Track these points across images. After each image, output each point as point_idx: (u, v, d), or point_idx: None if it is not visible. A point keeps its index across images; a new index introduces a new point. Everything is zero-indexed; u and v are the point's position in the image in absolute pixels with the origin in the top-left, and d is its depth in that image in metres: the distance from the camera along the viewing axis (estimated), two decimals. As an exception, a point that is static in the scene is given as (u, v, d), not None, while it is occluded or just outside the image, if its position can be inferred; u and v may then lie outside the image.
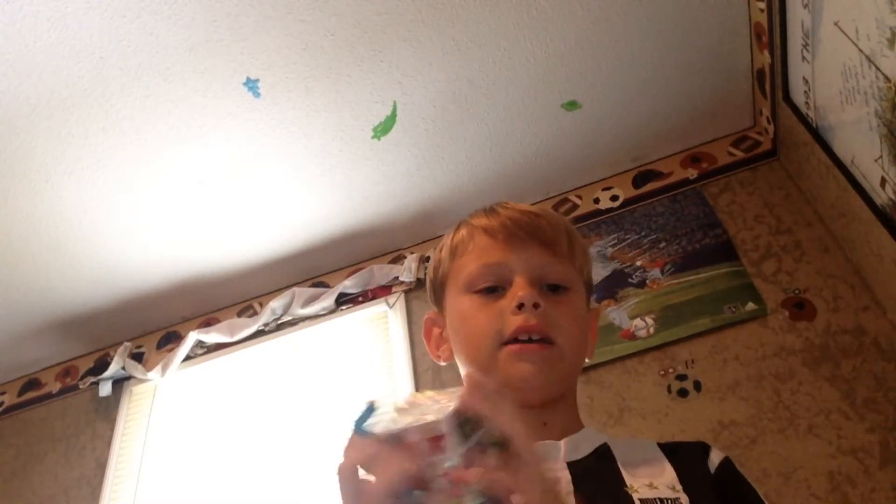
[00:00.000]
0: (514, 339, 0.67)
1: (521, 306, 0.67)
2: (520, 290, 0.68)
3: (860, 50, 1.12)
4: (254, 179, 1.78)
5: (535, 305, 0.67)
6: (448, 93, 1.65)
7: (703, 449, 0.71)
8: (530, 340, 0.67)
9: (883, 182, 1.21)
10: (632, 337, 1.59)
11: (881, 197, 1.24)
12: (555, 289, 0.72)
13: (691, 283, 1.62)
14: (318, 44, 1.49)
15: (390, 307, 1.94)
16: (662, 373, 1.52)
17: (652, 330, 1.59)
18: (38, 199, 1.72)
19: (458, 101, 1.67)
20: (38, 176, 1.66)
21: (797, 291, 1.52)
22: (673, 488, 0.64)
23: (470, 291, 0.72)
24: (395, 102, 1.65)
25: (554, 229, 0.75)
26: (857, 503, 1.24)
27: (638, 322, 1.61)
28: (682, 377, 1.50)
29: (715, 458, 0.70)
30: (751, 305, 1.53)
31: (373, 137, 1.72)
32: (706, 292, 1.59)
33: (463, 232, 0.78)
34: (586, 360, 0.76)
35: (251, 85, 1.55)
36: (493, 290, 0.71)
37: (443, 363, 0.79)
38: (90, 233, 1.83)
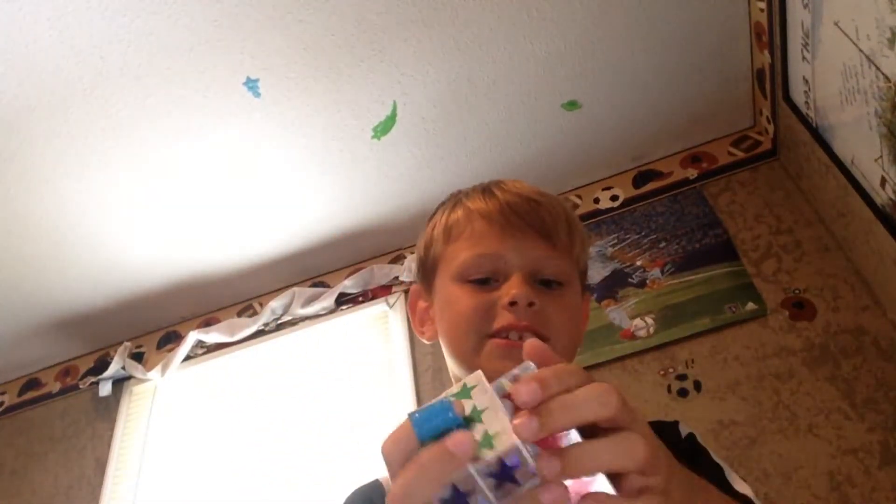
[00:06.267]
0: (501, 335, 0.66)
1: (513, 304, 0.66)
2: (514, 287, 0.66)
3: (860, 50, 1.12)
4: (254, 179, 1.78)
5: (530, 304, 0.66)
6: (448, 93, 1.65)
7: (675, 425, 0.72)
8: (520, 338, 0.65)
9: (883, 182, 1.21)
10: (632, 337, 1.59)
11: (881, 197, 1.24)
12: (549, 283, 0.70)
13: (691, 283, 1.62)
14: (318, 44, 1.49)
15: (390, 307, 1.94)
16: (662, 373, 1.52)
17: (652, 330, 1.59)
18: (38, 199, 1.71)
19: (458, 101, 1.67)
20: (38, 176, 1.66)
21: (797, 291, 1.52)
22: None
23: (462, 280, 0.70)
24: (395, 102, 1.65)
25: (554, 218, 0.72)
26: (858, 503, 1.24)
27: (638, 322, 1.61)
28: (682, 377, 1.50)
29: (682, 432, 0.71)
30: (751, 305, 1.53)
31: (373, 137, 1.72)
32: (706, 292, 1.59)
33: (459, 213, 0.75)
34: (577, 350, 0.75)
35: (251, 85, 1.55)
36: (486, 282, 0.69)
37: (426, 341, 0.77)
38: (90, 233, 1.83)
